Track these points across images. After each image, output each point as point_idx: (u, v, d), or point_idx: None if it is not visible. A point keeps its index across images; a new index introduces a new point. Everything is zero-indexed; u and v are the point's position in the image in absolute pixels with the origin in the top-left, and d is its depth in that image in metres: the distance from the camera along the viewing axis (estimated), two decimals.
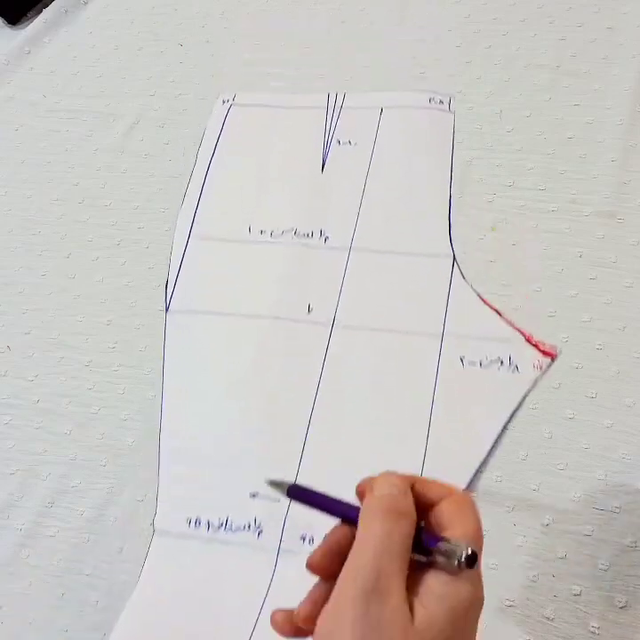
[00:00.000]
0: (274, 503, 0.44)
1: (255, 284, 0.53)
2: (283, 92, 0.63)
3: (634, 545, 0.41)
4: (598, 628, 0.39)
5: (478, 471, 0.44)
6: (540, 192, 0.54)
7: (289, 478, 0.44)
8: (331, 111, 0.60)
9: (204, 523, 0.45)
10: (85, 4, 0.75)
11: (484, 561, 0.42)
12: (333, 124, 0.59)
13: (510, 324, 0.48)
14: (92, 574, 0.45)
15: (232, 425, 0.48)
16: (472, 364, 0.47)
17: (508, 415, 0.45)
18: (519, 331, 0.48)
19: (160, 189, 0.60)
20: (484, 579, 0.42)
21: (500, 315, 0.48)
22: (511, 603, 0.41)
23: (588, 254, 0.51)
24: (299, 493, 0.32)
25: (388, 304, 0.50)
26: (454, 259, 0.51)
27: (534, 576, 0.41)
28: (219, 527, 0.45)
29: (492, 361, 0.47)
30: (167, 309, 0.53)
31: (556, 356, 0.46)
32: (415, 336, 0.49)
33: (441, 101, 0.59)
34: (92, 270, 0.57)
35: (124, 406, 0.50)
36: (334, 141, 0.58)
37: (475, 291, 0.50)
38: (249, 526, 0.44)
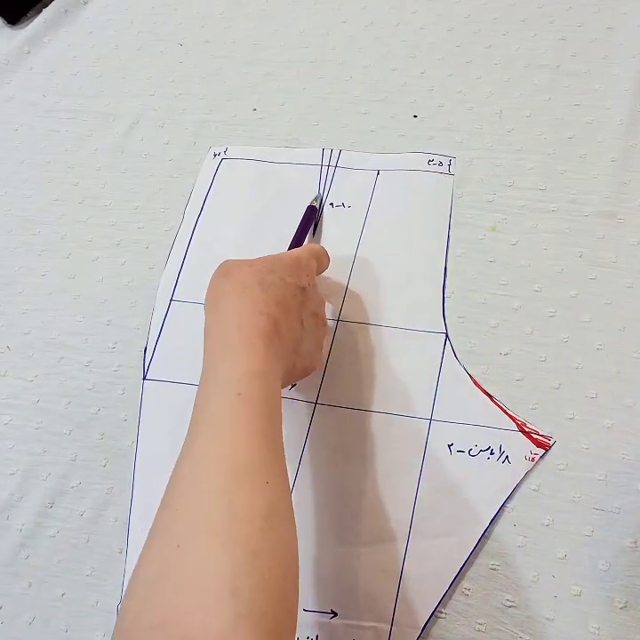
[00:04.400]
0: None
1: None
2: (277, 144, 0.61)
3: (634, 545, 0.41)
4: (598, 628, 0.39)
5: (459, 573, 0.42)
6: (540, 192, 0.54)
7: None
8: (325, 169, 0.58)
9: None
10: (85, 3, 0.76)
11: (486, 562, 0.43)
12: (327, 185, 0.57)
13: (503, 409, 0.46)
14: (92, 574, 0.45)
15: None
16: (460, 451, 0.45)
17: (496, 510, 0.43)
18: (512, 417, 0.45)
19: (160, 189, 0.60)
20: (484, 579, 0.42)
21: (491, 399, 0.46)
22: (511, 603, 0.41)
23: (587, 254, 0.51)
24: (310, 214, 0.54)
25: (374, 383, 0.48)
26: (447, 336, 0.49)
27: (534, 576, 0.41)
28: None
29: (481, 450, 0.45)
30: (145, 377, 0.51)
31: (550, 446, 0.44)
32: (402, 419, 0.46)
33: (440, 163, 0.57)
34: (92, 270, 0.57)
35: (123, 406, 0.50)
36: (327, 204, 0.56)
37: (466, 371, 0.48)
38: None
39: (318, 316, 0.44)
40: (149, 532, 0.32)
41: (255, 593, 0.28)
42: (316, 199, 0.56)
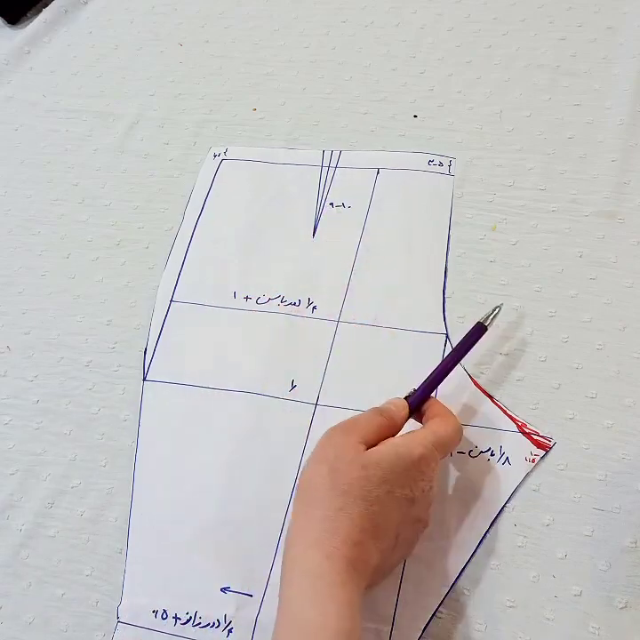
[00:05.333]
0: (246, 599, 0.42)
1: (237, 356, 0.50)
2: (277, 144, 0.60)
3: (634, 545, 0.41)
4: (598, 628, 0.39)
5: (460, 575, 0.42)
6: (540, 192, 0.54)
7: (263, 570, 0.43)
8: (325, 170, 0.58)
9: (170, 616, 0.43)
10: (85, 3, 0.76)
11: (485, 562, 0.42)
12: (327, 185, 0.57)
13: (503, 410, 0.46)
14: (92, 574, 0.45)
15: (207, 512, 0.45)
16: (460, 453, 0.44)
17: (496, 511, 0.43)
18: (512, 418, 0.45)
19: (160, 189, 0.60)
20: (484, 579, 0.42)
21: (491, 399, 0.46)
22: (511, 603, 0.41)
23: (588, 254, 0.51)
24: (477, 334, 0.45)
25: (375, 384, 0.47)
26: (447, 336, 0.49)
27: (534, 576, 0.41)
28: (186, 622, 0.42)
29: (482, 451, 0.44)
30: (145, 378, 0.51)
31: (550, 447, 0.44)
32: None
33: (441, 163, 0.57)
34: (92, 270, 0.57)
35: (123, 406, 0.50)
36: (327, 205, 0.56)
37: (466, 371, 0.47)
38: (218, 623, 0.42)
39: (420, 522, 0.39)
40: None
41: None
42: (488, 316, 0.45)
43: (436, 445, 0.38)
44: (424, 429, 0.40)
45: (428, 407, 0.42)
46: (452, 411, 0.46)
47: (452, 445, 0.41)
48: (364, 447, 0.37)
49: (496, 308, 0.45)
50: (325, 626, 0.32)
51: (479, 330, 0.45)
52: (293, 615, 0.34)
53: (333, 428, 0.39)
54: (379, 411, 0.40)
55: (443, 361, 0.45)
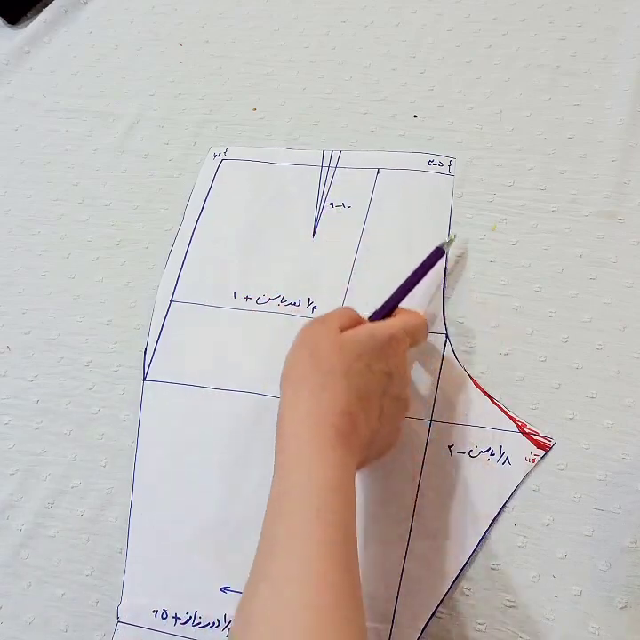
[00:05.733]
0: None
1: (237, 356, 0.50)
2: (277, 144, 0.60)
3: (634, 545, 0.41)
4: (598, 628, 0.39)
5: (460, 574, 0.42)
6: (540, 192, 0.54)
7: None
8: (325, 170, 0.58)
9: (170, 616, 0.43)
10: (85, 3, 0.76)
11: (486, 562, 0.42)
12: (327, 185, 0.57)
13: (503, 410, 0.46)
14: (92, 574, 0.45)
15: (207, 512, 0.45)
16: (460, 453, 0.45)
17: (496, 511, 0.43)
18: (512, 418, 0.45)
19: (160, 189, 0.60)
20: (484, 579, 0.42)
21: (491, 399, 0.46)
22: (512, 603, 0.41)
23: (588, 254, 0.51)
24: (433, 257, 0.48)
25: None
26: (447, 336, 0.49)
27: (534, 576, 0.41)
28: (186, 622, 0.42)
29: (481, 451, 0.44)
30: (145, 378, 0.51)
31: (550, 447, 0.44)
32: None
33: (441, 163, 0.56)
34: (92, 270, 0.57)
35: (123, 406, 0.50)
36: (327, 204, 0.56)
37: (466, 371, 0.47)
38: (218, 623, 0.42)
39: (400, 400, 0.42)
40: None
41: None
42: (447, 243, 0.50)
43: (405, 331, 0.42)
44: (394, 318, 0.44)
45: (395, 314, 0.45)
46: (453, 410, 0.46)
47: (418, 333, 0.44)
48: (340, 331, 0.40)
49: (454, 234, 0.50)
50: (316, 483, 0.34)
51: (437, 253, 0.48)
52: (285, 476, 0.36)
53: (310, 321, 0.42)
54: (350, 308, 0.43)
55: (401, 284, 0.47)
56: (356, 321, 0.42)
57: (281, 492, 0.35)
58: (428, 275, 0.48)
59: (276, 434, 0.37)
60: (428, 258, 0.48)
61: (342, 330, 0.40)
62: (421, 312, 0.50)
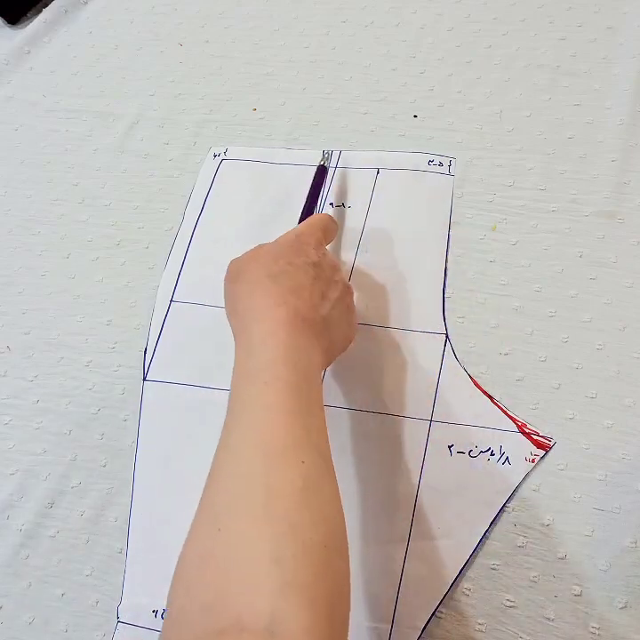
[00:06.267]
0: None
1: None
2: (277, 144, 0.60)
3: (634, 545, 0.41)
4: (598, 628, 0.39)
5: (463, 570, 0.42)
6: (540, 192, 0.54)
7: None
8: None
9: None
10: (85, 3, 0.76)
11: (486, 562, 0.43)
12: (327, 185, 0.57)
13: (503, 410, 0.46)
14: (92, 574, 0.45)
15: None
16: (460, 453, 0.45)
17: (496, 511, 0.43)
18: (512, 418, 0.45)
19: (160, 189, 0.61)
20: (484, 579, 0.42)
21: (491, 399, 0.46)
22: (512, 603, 0.41)
23: (588, 254, 0.51)
24: (320, 175, 0.54)
25: (374, 384, 0.48)
26: (447, 336, 0.49)
27: (535, 576, 0.41)
28: None
29: (481, 451, 0.45)
30: (145, 378, 0.51)
31: (550, 447, 0.44)
32: (402, 420, 0.46)
33: (440, 163, 0.56)
34: (92, 270, 0.57)
35: (123, 406, 0.50)
36: (327, 205, 0.56)
37: (466, 371, 0.47)
38: None
39: (337, 282, 0.43)
40: (192, 523, 0.33)
41: (298, 562, 0.29)
42: (325, 158, 0.56)
43: (312, 226, 0.45)
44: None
45: None
46: (453, 410, 0.46)
47: (326, 227, 0.47)
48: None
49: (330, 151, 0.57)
50: (264, 358, 0.36)
51: (321, 172, 0.54)
52: (238, 363, 0.38)
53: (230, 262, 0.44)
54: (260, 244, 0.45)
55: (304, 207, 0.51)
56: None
57: (235, 378, 0.37)
58: (427, 272, 0.48)
59: (235, 348, 0.39)
60: (315, 176, 0.54)
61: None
62: (422, 308, 0.50)
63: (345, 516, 0.43)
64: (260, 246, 0.43)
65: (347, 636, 0.30)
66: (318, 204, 0.53)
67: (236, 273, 0.42)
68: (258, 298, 0.39)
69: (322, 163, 0.55)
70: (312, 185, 0.53)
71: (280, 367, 0.36)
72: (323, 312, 0.41)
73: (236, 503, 0.31)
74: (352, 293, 0.45)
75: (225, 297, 0.43)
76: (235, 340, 0.40)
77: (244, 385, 0.36)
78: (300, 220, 0.49)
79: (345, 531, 0.33)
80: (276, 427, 0.33)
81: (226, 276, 0.43)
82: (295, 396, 0.35)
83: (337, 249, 0.54)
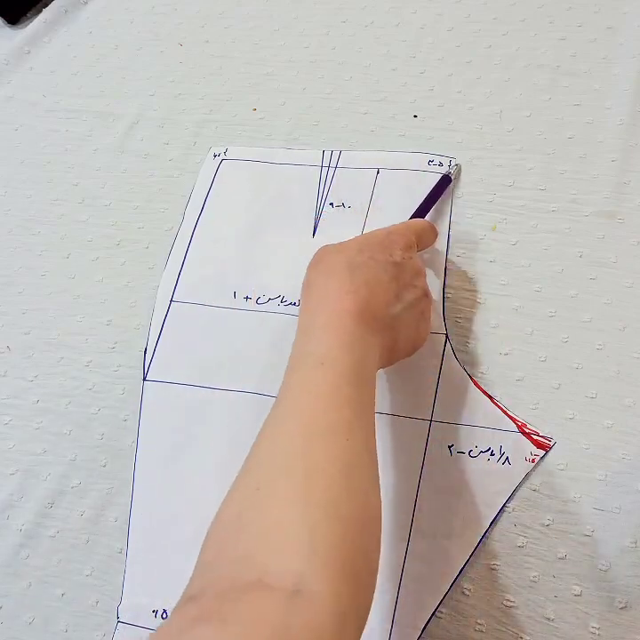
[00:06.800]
0: None
1: (237, 356, 0.50)
2: (277, 144, 0.60)
3: (634, 545, 0.41)
4: (598, 628, 0.39)
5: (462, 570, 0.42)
6: (540, 192, 0.54)
7: None
8: (325, 170, 0.58)
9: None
10: (85, 3, 0.76)
11: (485, 562, 0.42)
12: (327, 185, 0.57)
13: (503, 410, 0.46)
14: (92, 574, 0.45)
15: (207, 512, 0.45)
16: (460, 453, 0.45)
17: (496, 511, 0.43)
18: (512, 418, 0.45)
19: (160, 189, 0.61)
20: (484, 579, 0.42)
21: (491, 399, 0.46)
22: (512, 603, 0.41)
23: (588, 254, 0.51)
24: (441, 184, 0.54)
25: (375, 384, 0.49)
26: (447, 336, 0.49)
27: (534, 576, 0.41)
28: None
29: (481, 451, 0.44)
30: (145, 378, 0.51)
31: (550, 447, 0.44)
32: (402, 420, 0.46)
33: (440, 163, 0.56)
34: (92, 270, 0.57)
35: (123, 406, 0.50)
36: (327, 204, 0.56)
37: (466, 371, 0.47)
38: None
39: (417, 288, 0.43)
40: (231, 486, 0.33)
41: (331, 531, 0.29)
42: (452, 167, 0.56)
43: (407, 228, 0.45)
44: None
45: None
46: (453, 410, 0.46)
47: (424, 233, 0.47)
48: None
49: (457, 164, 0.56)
50: (325, 342, 0.36)
51: (444, 180, 0.54)
52: (298, 345, 0.38)
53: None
54: None
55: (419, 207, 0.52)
56: None
57: (293, 358, 0.37)
58: (427, 272, 0.48)
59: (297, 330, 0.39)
60: (438, 185, 0.54)
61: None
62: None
63: None
64: (351, 239, 0.43)
65: (369, 610, 0.31)
66: (430, 212, 0.53)
67: (318, 259, 0.42)
68: (331, 284, 0.40)
69: (448, 173, 0.55)
70: (431, 192, 0.53)
71: (336, 351, 0.36)
72: (393, 311, 0.41)
73: (278, 470, 0.32)
74: (431, 302, 0.45)
75: (303, 282, 0.43)
76: (298, 322, 0.40)
77: (300, 365, 0.37)
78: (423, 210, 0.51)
79: (380, 513, 0.34)
80: (325, 405, 0.34)
81: (310, 263, 0.43)
82: (348, 383, 0.35)
83: None
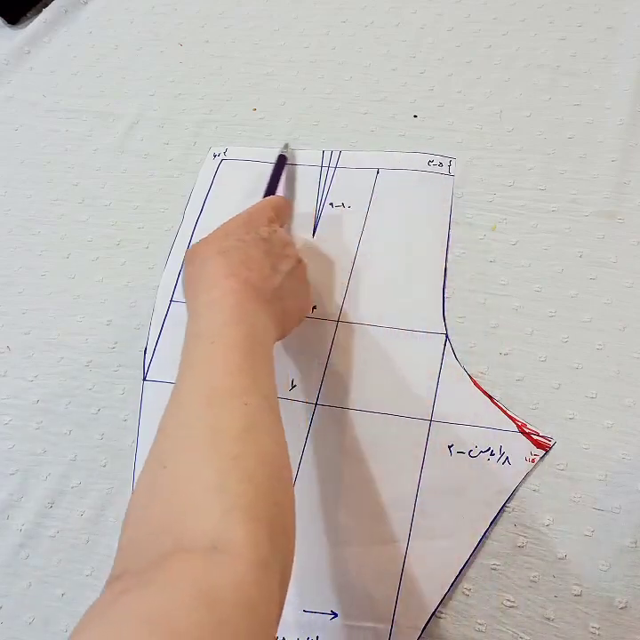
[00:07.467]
0: None
1: None
2: (277, 144, 0.60)
3: (634, 545, 0.41)
4: (598, 628, 0.39)
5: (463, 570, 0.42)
6: (540, 192, 0.54)
7: None
8: (325, 170, 0.58)
9: None
10: (85, 3, 0.76)
11: (486, 562, 0.43)
12: (327, 185, 0.57)
13: (503, 410, 0.46)
14: (92, 574, 0.45)
15: None
16: (460, 453, 0.45)
17: (496, 511, 0.43)
18: (512, 418, 0.45)
19: (160, 189, 0.61)
20: (484, 579, 0.42)
21: (491, 399, 0.46)
22: (512, 603, 0.41)
23: (588, 254, 0.51)
24: (279, 165, 0.56)
25: (374, 384, 0.48)
26: (447, 336, 0.49)
27: (535, 576, 0.41)
28: None
29: (481, 451, 0.44)
30: (145, 378, 0.51)
31: (550, 447, 0.44)
32: (402, 419, 0.46)
33: (440, 164, 0.57)
34: (92, 270, 0.57)
35: (123, 406, 0.50)
36: (327, 204, 0.56)
37: (466, 371, 0.47)
38: None
39: (289, 257, 0.45)
40: (141, 470, 0.34)
41: (240, 487, 0.30)
42: (285, 147, 0.58)
43: (264, 206, 0.47)
44: None
45: None
46: (452, 410, 0.46)
47: (279, 205, 0.48)
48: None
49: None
50: (213, 321, 0.37)
51: (281, 160, 0.56)
52: (189, 330, 0.39)
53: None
54: None
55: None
56: None
57: (184, 343, 0.38)
58: (427, 272, 0.48)
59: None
60: (276, 165, 0.56)
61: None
62: (422, 308, 0.50)
63: (344, 514, 0.44)
64: (215, 229, 0.44)
65: (292, 561, 0.32)
66: (276, 193, 0.54)
67: (191, 257, 0.43)
68: (209, 270, 0.40)
69: (282, 153, 0.57)
70: (272, 174, 0.55)
71: (226, 328, 0.37)
72: (274, 283, 0.42)
73: (182, 443, 0.33)
74: (305, 267, 0.47)
75: (182, 282, 0.44)
76: (186, 308, 0.41)
77: (192, 346, 0.37)
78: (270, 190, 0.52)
79: (289, 467, 0.34)
80: (221, 377, 0.35)
81: (183, 264, 0.44)
82: (241, 354, 0.36)
83: (337, 249, 0.54)
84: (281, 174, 0.55)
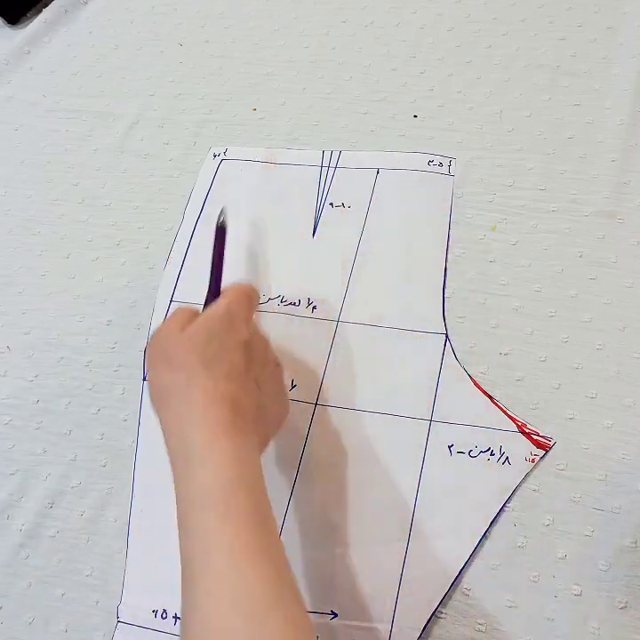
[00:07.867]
0: None
1: None
2: (277, 144, 0.60)
3: (634, 545, 0.41)
4: (598, 628, 0.39)
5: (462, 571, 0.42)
6: (540, 192, 0.54)
7: None
8: (325, 170, 0.58)
9: (170, 616, 0.43)
10: (85, 3, 0.76)
11: (486, 562, 0.42)
12: (327, 185, 0.57)
13: (503, 410, 0.46)
14: (92, 574, 0.45)
15: None
16: (460, 453, 0.45)
17: (496, 511, 0.43)
18: (512, 418, 0.45)
19: (160, 189, 0.61)
20: (484, 579, 0.42)
21: (491, 399, 0.46)
22: (512, 603, 0.41)
23: (588, 254, 0.51)
24: (219, 236, 0.46)
25: (375, 384, 0.48)
26: (447, 336, 0.49)
27: (535, 576, 0.41)
28: None
29: (481, 451, 0.44)
30: (145, 378, 0.50)
31: (550, 447, 0.44)
32: (402, 419, 0.46)
33: (440, 164, 0.56)
34: (91, 270, 0.57)
35: (123, 406, 0.50)
36: (327, 205, 0.56)
37: (466, 371, 0.47)
38: None
39: (268, 361, 0.42)
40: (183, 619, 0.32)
41: None
42: (221, 213, 0.47)
43: (239, 298, 0.41)
44: (221, 296, 0.41)
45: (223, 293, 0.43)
46: (452, 410, 0.46)
47: (250, 297, 0.42)
48: (182, 331, 0.38)
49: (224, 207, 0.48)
50: (219, 483, 0.33)
51: (220, 231, 0.46)
52: (186, 479, 0.34)
53: (151, 337, 0.41)
54: (184, 307, 0.41)
55: (211, 268, 0.44)
56: (194, 315, 0.40)
57: (184, 497, 0.34)
58: (427, 272, 0.48)
59: (166, 444, 0.36)
60: (216, 239, 0.46)
61: (183, 329, 0.38)
62: (422, 308, 0.50)
63: (344, 514, 0.44)
64: (189, 321, 0.39)
65: None
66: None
67: (164, 354, 0.38)
68: (195, 393, 0.36)
69: (219, 223, 0.46)
70: (214, 250, 0.45)
71: (231, 497, 0.33)
72: (257, 400, 0.38)
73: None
74: (282, 371, 0.43)
75: (151, 381, 0.38)
76: (166, 436, 0.36)
77: (196, 513, 0.33)
78: (210, 289, 0.44)
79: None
80: (253, 578, 0.31)
81: (151, 354, 0.39)
82: (255, 531, 0.33)
83: (337, 249, 0.54)
84: (223, 248, 0.46)
